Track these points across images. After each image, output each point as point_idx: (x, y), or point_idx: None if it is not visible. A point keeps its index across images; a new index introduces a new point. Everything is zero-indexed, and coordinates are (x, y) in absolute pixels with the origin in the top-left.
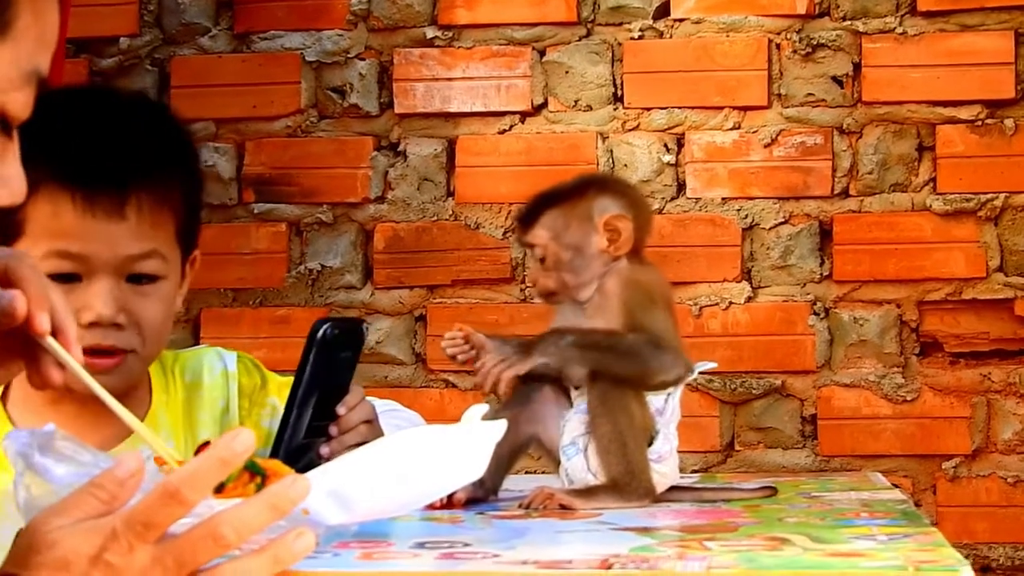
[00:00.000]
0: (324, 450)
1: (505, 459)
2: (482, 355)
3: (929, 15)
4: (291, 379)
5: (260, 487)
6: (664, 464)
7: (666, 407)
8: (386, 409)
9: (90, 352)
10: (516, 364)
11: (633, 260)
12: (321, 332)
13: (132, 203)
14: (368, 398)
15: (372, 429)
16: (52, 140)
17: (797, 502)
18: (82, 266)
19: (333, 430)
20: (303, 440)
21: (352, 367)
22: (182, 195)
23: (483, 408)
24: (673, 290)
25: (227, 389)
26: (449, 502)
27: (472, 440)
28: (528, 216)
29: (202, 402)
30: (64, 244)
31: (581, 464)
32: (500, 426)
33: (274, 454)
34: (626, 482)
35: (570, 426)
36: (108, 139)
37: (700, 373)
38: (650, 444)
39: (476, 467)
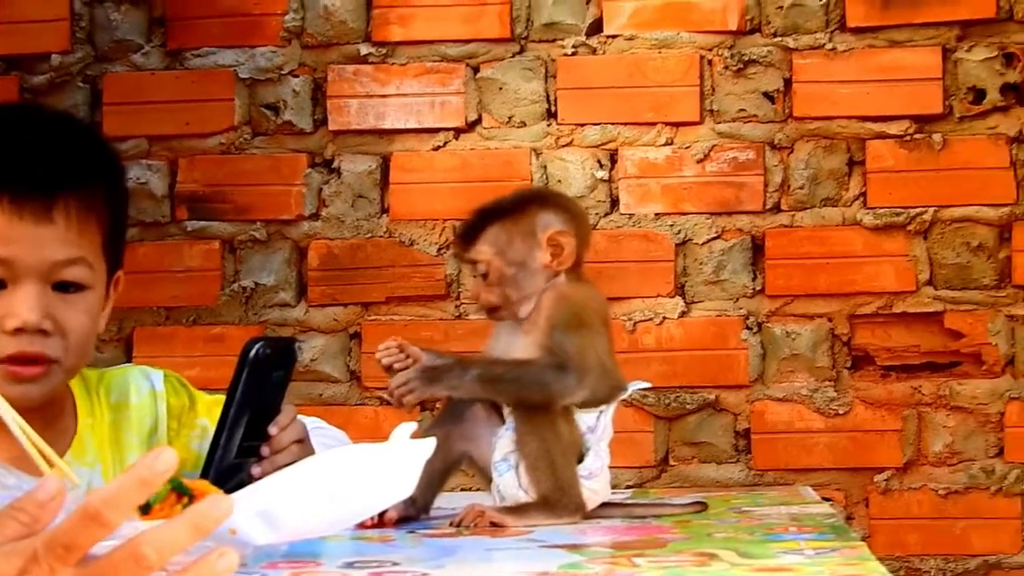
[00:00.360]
0: (256, 470)
1: (437, 477)
2: (416, 366)
3: (858, 31)
4: (221, 398)
5: (187, 508)
6: (595, 481)
7: (598, 424)
8: (313, 427)
9: (14, 360)
10: (417, 390)
11: (571, 276)
12: (253, 352)
13: (60, 207)
14: (299, 417)
15: (304, 448)
16: None
17: (727, 517)
18: (7, 271)
19: (265, 450)
20: (234, 460)
21: (284, 386)
22: (108, 208)
23: (412, 426)
24: (609, 306)
25: (155, 409)
26: (380, 521)
27: (401, 458)
28: (470, 232)
29: (129, 423)
30: None
31: (513, 481)
32: (429, 444)
33: (204, 474)
34: (556, 499)
35: (502, 443)
36: (36, 146)
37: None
38: (580, 461)
39: (406, 485)
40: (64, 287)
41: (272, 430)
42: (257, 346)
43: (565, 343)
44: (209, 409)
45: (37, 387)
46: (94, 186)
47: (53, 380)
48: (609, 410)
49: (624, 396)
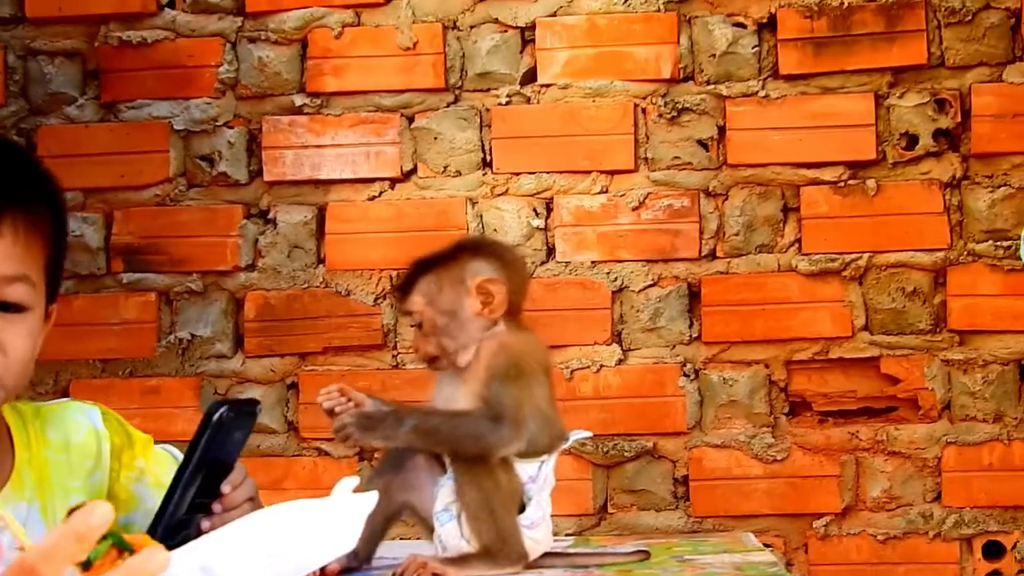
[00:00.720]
0: (205, 524)
1: (379, 527)
2: (354, 412)
3: (791, 78)
4: (147, 438)
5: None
6: (537, 530)
7: (539, 474)
8: None
9: None
10: (353, 437)
11: (511, 324)
12: (217, 415)
13: (7, 221)
14: (250, 480)
15: (254, 506)
16: None
17: (670, 566)
18: None
19: (217, 507)
20: (183, 516)
21: (242, 446)
22: (52, 230)
23: (354, 481)
24: (551, 355)
25: (99, 448)
26: (322, 573)
27: (343, 513)
28: (405, 284)
29: (71, 464)
30: None
31: (455, 530)
32: (371, 498)
33: (153, 528)
34: (498, 548)
35: (443, 492)
36: None
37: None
38: (522, 511)
39: (348, 540)
40: (5, 307)
41: (225, 488)
42: (221, 410)
43: (502, 394)
44: (145, 448)
45: None
46: (40, 205)
47: None
48: (551, 460)
49: (565, 446)
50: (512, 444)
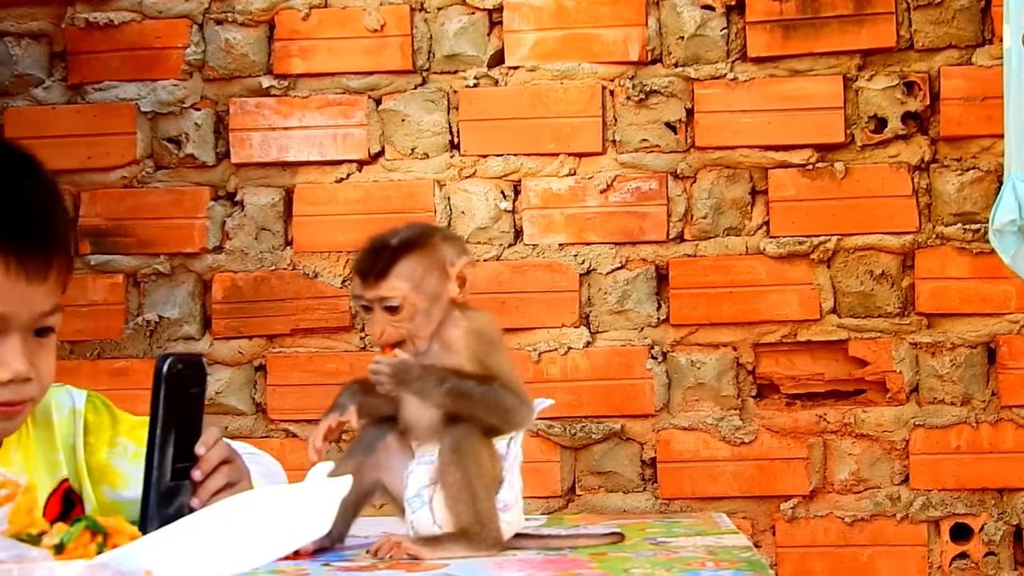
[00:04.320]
0: (195, 501)
1: (351, 507)
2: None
3: (759, 61)
4: (146, 419)
5: (102, 546)
6: (510, 512)
7: (509, 451)
8: (246, 453)
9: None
10: (386, 386)
11: (460, 306)
12: (166, 366)
13: (54, 265)
14: (224, 440)
15: (234, 469)
16: None
17: (643, 549)
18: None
19: (196, 474)
20: (170, 483)
21: (200, 403)
22: (72, 256)
23: (329, 465)
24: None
25: (74, 426)
26: (296, 553)
27: (318, 498)
28: (381, 267)
29: (54, 441)
30: None
31: (427, 517)
32: (345, 482)
33: (145, 499)
34: (475, 531)
35: (414, 477)
36: (29, 204)
37: (540, 419)
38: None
39: (322, 524)
40: (40, 332)
41: (199, 450)
42: (168, 360)
43: (498, 368)
44: (132, 429)
45: (13, 423)
46: (71, 239)
47: (25, 415)
48: (519, 436)
49: (535, 417)
50: (527, 421)
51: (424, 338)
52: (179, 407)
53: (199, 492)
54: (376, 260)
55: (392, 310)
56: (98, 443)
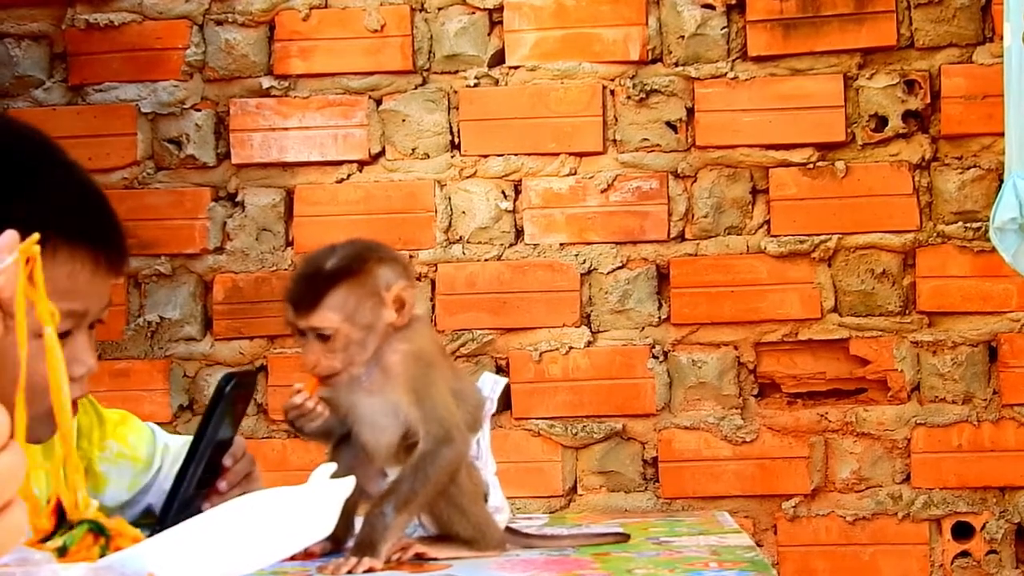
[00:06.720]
0: (206, 505)
1: (351, 506)
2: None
3: (760, 60)
4: (123, 414)
5: (104, 548)
6: (501, 513)
7: (480, 451)
8: None
9: None
10: (364, 563)
11: (399, 329)
12: (229, 387)
13: (128, 259)
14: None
15: (253, 481)
16: (58, 204)
17: (646, 549)
18: (76, 322)
19: (222, 485)
20: (192, 493)
21: (242, 417)
22: None
23: (332, 467)
24: (440, 338)
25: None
26: (307, 553)
27: (321, 500)
28: (310, 299)
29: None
30: (71, 303)
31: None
32: (348, 483)
33: (167, 507)
34: (479, 537)
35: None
36: (105, 199)
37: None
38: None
39: (325, 526)
40: (92, 325)
41: (227, 461)
42: (232, 382)
43: (436, 407)
44: (115, 428)
45: (74, 419)
46: None
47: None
48: (485, 432)
49: (493, 409)
50: (467, 444)
51: (360, 365)
52: (225, 424)
53: (215, 502)
54: (307, 289)
55: (325, 339)
56: (90, 448)
